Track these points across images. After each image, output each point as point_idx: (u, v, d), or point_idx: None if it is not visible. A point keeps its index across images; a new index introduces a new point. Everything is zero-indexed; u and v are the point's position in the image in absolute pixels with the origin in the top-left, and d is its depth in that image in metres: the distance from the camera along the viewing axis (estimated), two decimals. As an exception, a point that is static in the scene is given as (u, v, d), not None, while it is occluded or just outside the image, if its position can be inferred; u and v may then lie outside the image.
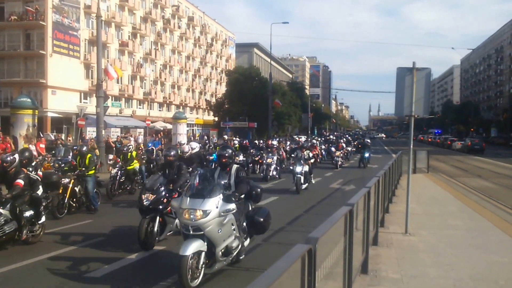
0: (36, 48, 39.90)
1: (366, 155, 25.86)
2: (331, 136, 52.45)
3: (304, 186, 15.17)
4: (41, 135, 25.69)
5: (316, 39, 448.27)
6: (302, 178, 14.88)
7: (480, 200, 13.58)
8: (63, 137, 33.64)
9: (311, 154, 16.67)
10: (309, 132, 66.66)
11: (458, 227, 9.48)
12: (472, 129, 78.68)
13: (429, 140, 70.76)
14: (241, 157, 19.35)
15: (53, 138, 27.35)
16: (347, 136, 52.64)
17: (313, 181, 16.52)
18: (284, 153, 22.88)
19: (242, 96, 54.69)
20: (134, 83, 53.87)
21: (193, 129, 63.54)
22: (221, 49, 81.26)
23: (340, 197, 13.57)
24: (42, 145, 20.55)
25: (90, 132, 34.07)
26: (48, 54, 39.61)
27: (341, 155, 26.20)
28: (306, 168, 15.31)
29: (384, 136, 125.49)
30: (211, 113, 65.02)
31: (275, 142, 25.72)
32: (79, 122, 28.10)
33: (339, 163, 25.40)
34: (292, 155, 16.88)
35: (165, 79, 60.73)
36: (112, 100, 46.52)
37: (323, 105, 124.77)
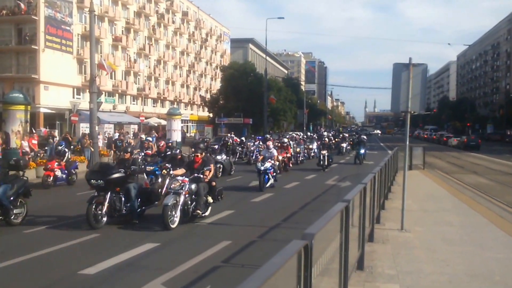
0: (28, 43, 39.49)
1: (362, 151, 25.84)
2: (325, 133, 52.33)
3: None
4: (34, 131, 25.47)
5: (310, 35, 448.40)
6: None
7: (475, 197, 13.59)
8: (56, 133, 33.40)
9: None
10: (304, 128, 66.67)
11: (454, 224, 9.47)
12: (468, 124, 78.67)
13: (425, 136, 70.81)
14: None
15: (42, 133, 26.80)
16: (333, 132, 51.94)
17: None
18: None
19: (237, 92, 54.53)
20: (127, 78, 53.54)
21: (187, 125, 63.36)
22: (216, 44, 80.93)
23: (335, 194, 13.52)
24: (35, 141, 20.39)
25: (84, 128, 33.80)
26: (41, 49, 39.23)
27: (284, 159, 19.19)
28: None
29: (380, 132, 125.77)
30: (206, 109, 64.81)
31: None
32: (72, 118, 27.96)
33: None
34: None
35: (159, 74, 60.43)
36: (105, 95, 46.26)
37: (318, 101, 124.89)
